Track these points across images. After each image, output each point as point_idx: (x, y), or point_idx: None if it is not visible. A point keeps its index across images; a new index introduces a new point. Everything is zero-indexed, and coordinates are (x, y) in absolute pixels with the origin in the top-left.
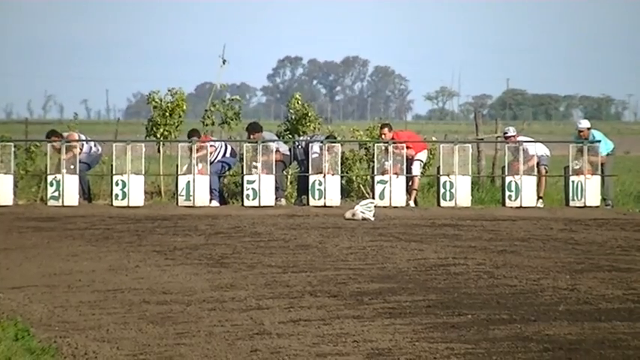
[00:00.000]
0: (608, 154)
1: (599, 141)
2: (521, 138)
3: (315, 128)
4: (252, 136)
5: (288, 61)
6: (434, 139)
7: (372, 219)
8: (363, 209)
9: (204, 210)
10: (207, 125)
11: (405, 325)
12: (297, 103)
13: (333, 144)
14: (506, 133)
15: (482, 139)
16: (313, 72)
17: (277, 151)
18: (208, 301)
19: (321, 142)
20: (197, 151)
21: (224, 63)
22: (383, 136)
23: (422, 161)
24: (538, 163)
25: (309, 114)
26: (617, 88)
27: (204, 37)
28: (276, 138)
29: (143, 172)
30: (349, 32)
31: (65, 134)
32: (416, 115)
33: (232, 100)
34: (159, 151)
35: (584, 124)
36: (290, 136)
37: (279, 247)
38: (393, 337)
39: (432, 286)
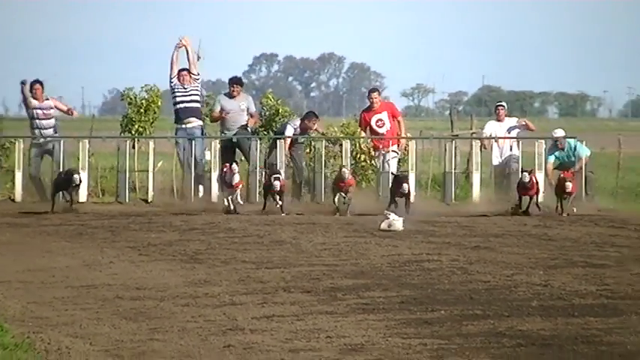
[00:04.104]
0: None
1: (575, 148)
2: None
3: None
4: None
5: (263, 57)
6: (408, 135)
7: (401, 228)
8: (395, 219)
9: (179, 206)
10: None
11: (379, 320)
12: (270, 100)
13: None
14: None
15: (457, 135)
16: (289, 68)
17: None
18: (182, 297)
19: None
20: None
21: (199, 59)
22: (373, 99)
23: (397, 153)
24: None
25: (282, 110)
26: (593, 84)
27: (179, 33)
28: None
29: (87, 168)
30: (325, 29)
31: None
32: None
33: (208, 96)
34: (133, 147)
35: (560, 132)
36: (265, 132)
37: (253, 243)
38: (367, 332)
39: (406, 282)
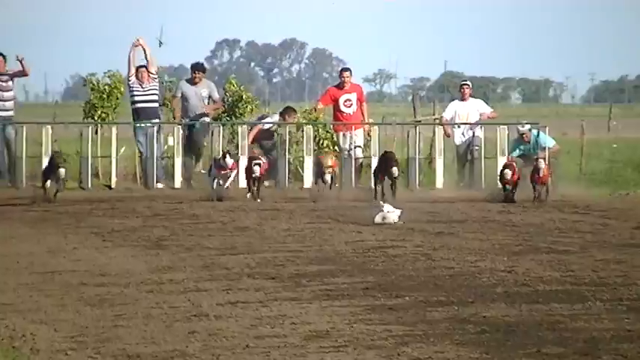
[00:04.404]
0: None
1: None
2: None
3: (252, 110)
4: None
5: (226, 43)
6: (371, 120)
7: (397, 221)
8: (389, 210)
9: (142, 191)
10: None
11: (343, 307)
12: (233, 86)
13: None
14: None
15: (419, 121)
16: (251, 54)
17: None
18: (146, 283)
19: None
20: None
21: (161, 45)
22: (345, 78)
23: (361, 146)
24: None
25: (245, 96)
26: (556, 70)
27: (141, 18)
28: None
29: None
30: (287, 15)
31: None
32: None
33: (170, 81)
34: (96, 133)
35: (526, 127)
36: (228, 118)
37: (218, 229)
38: (331, 319)
39: (370, 268)
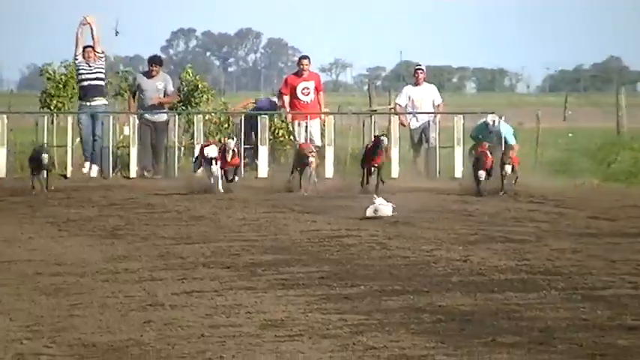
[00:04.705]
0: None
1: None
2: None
3: (208, 99)
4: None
5: (181, 33)
6: (326, 110)
7: (390, 214)
8: (382, 203)
9: (98, 181)
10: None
11: (299, 296)
12: (189, 75)
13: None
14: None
15: (375, 110)
16: (207, 44)
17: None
18: (102, 273)
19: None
20: None
21: (117, 34)
22: (304, 66)
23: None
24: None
25: (201, 86)
26: (511, 60)
27: (97, 8)
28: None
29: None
30: (243, 4)
31: None
32: None
33: (126, 71)
34: (52, 123)
35: (496, 122)
36: (183, 108)
37: (173, 218)
38: (286, 308)
39: (325, 257)
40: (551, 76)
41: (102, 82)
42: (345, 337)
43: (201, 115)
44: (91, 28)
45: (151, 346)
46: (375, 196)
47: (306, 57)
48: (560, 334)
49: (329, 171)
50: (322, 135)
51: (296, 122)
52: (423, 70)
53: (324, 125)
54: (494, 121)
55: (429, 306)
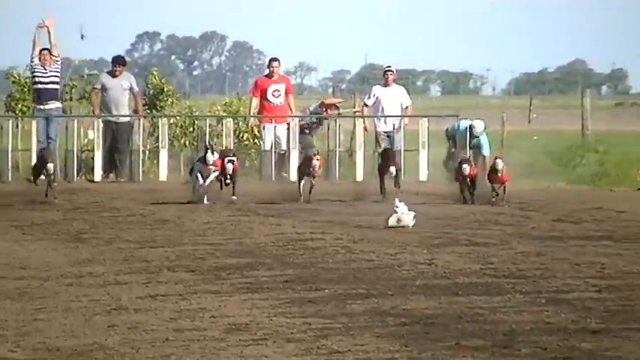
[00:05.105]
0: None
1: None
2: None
3: (172, 103)
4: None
5: (146, 36)
6: (292, 113)
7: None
8: (405, 212)
9: (62, 185)
10: (66, 101)
11: (263, 300)
12: (155, 78)
13: None
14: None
15: (340, 113)
16: (172, 47)
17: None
18: (66, 277)
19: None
20: None
21: (82, 38)
22: (274, 68)
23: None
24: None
25: (167, 89)
26: (476, 63)
27: (62, 12)
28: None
29: None
30: (207, 7)
31: None
32: None
33: (91, 75)
34: (17, 127)
35: (480, 127)
36: (148, 111)
37: (138, 222)
38: (251, 312)
39: (290, 261)
40: (516, 79)
41: (56, 86)
42: (310, 341)
43: (166, 119)
44: (49, 31)
45: (115, 350)
46: (398, 205)
47: (276, 59)
48: (525, 338)
49: (294, 175)
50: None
51: (262, 125)
52: (392, 71)
53: (288, 128)
54: (479, 128)
55: (393, 309)
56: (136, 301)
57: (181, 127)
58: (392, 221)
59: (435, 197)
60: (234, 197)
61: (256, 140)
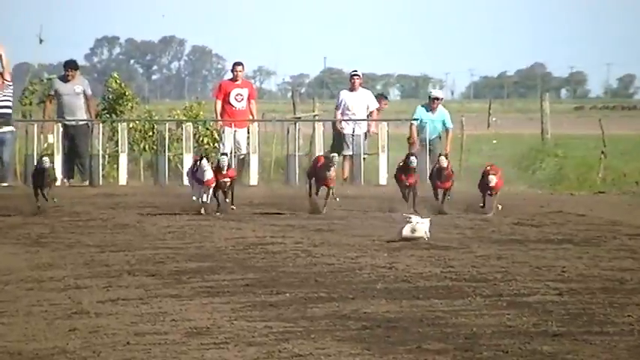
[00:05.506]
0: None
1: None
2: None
3: (132, 107)
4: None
5: (105, 40)
6: (250, 117)
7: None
8: (419, 221)
9: (22, 189)
10: (25, 105)
11: (224, 303)
12: (115, 82)
13: None
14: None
15: (299, 117)
16: (130, 51)
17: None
18: (26, 281)
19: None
20: None
21: (41, 42)
22: (238, 72)
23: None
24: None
25: (127, 93)
26: (435, 66)
27: (20, 15)
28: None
29: None
30: (166, 11)
31: None
32: None
33: (50, 79)
34: None
35: (437, 92)
36: (107, 116)
37: (98, 226)
38: (212, 315)
39: (251, 264)
40: (475, 83)
41: (9, 110)
42: (271, 345)
43: (125, 123)
44: (0, 56)
45: (76, 354)
46: (410, 215)
47: (240, 63)
48: (486, 341)
49: (253, 179)
50: (248, 143)
51: (222, 129)
52: (359, 75)
53: (248, 133)
54: (440, 94)
55: (354, 313)
56: (96, 305)
57: (141, 131)
58: (406, 232)
59: (395, 201)
60: (232, 207)
61: (216, 144)
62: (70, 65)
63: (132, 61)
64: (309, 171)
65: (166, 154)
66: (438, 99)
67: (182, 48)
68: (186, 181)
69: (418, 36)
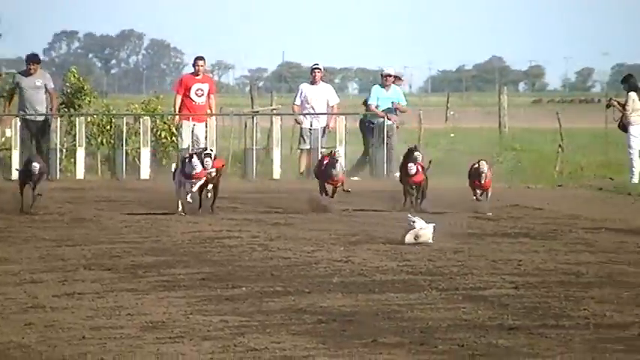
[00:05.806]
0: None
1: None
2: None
3: (90, 102)
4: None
5: (64, 35)
6: (209, 111)
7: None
8: (422, 226)
9: None
10: None
11: (180, 297)
12: (73, 77)
13: None
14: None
15: (257, 111)
16: (89, 45)
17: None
18: None
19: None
20: None
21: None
22: (199, 67)
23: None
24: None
25: (85, 87)
26: (393, 60)
27: None
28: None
29: None
30: (125, 5)
31: None
32: None
33: (7, 74)
34: None
35: (390, 69)
36: (66, 110)
37: (54, 220)
38: (167, 309)
39: (207, 258)
40: (433, 77)
41: None
42: (226, 339)
43: (83, 117)
44: None
45: (32, 348)
46: (413, 219)
47: (201, 58)
48: (441, 335)
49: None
50: (206, 137)
51: (179, 124)
52: (320, 69)
53: (206, 127)
54: (391, 71)
55: (310, 307)
56: (52, 299)
57: (99, 125)
58: (409, 238)
59: (352, 195)
60: (212, 210)
61: (174, 138)
62: (33, 59)
63: (90, 55)
64: (316, 171)
65: (124, 148)
66: (390, 75)
67: (141, 42)
68: (143, 175)
69: (377, 30)
